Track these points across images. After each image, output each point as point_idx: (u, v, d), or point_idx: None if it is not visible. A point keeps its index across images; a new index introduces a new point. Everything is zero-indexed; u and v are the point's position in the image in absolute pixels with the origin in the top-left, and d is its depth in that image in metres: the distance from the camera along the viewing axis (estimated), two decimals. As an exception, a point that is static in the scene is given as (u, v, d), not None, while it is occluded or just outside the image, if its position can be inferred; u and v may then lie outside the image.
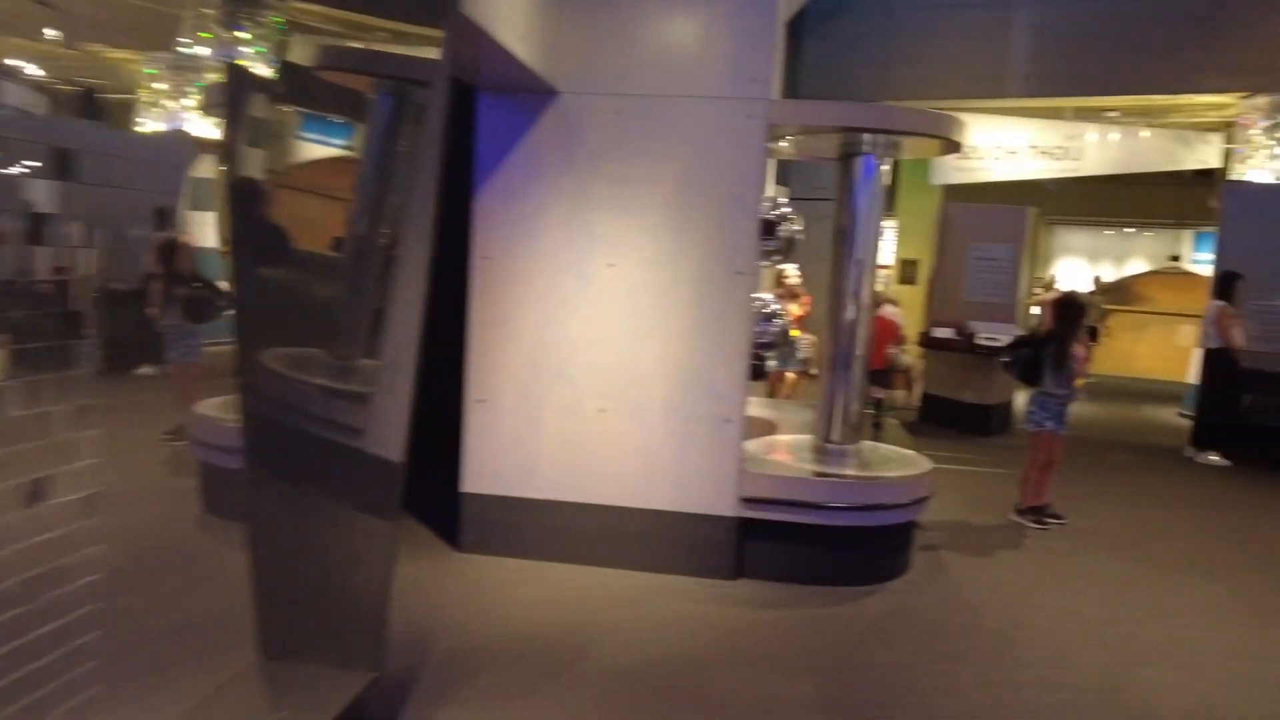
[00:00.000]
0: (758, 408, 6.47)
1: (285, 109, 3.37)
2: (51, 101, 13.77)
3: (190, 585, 4.25)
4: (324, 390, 3.00)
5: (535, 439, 4.63)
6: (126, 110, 13.67)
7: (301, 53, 3.67)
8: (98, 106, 14.69)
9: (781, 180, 11.35)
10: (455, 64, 4.20)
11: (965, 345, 8.99)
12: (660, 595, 4.38)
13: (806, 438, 5.26)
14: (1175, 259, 20.31)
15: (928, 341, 9.46)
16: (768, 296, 6.19)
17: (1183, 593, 4.84)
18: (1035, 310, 10.68)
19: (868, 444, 5.37)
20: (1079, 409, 11.68)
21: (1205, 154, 11.94)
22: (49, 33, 11.78)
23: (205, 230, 11.12)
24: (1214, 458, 8.27)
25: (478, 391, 4.66)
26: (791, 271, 8.42)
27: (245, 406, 2.87)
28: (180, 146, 11.48)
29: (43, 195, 2.20)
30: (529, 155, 4.52)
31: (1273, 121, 10.68)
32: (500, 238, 4.57)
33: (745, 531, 4.55)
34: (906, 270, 16.45)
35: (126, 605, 3.55)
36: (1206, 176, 19.71)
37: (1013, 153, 12.72)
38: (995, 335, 8.79)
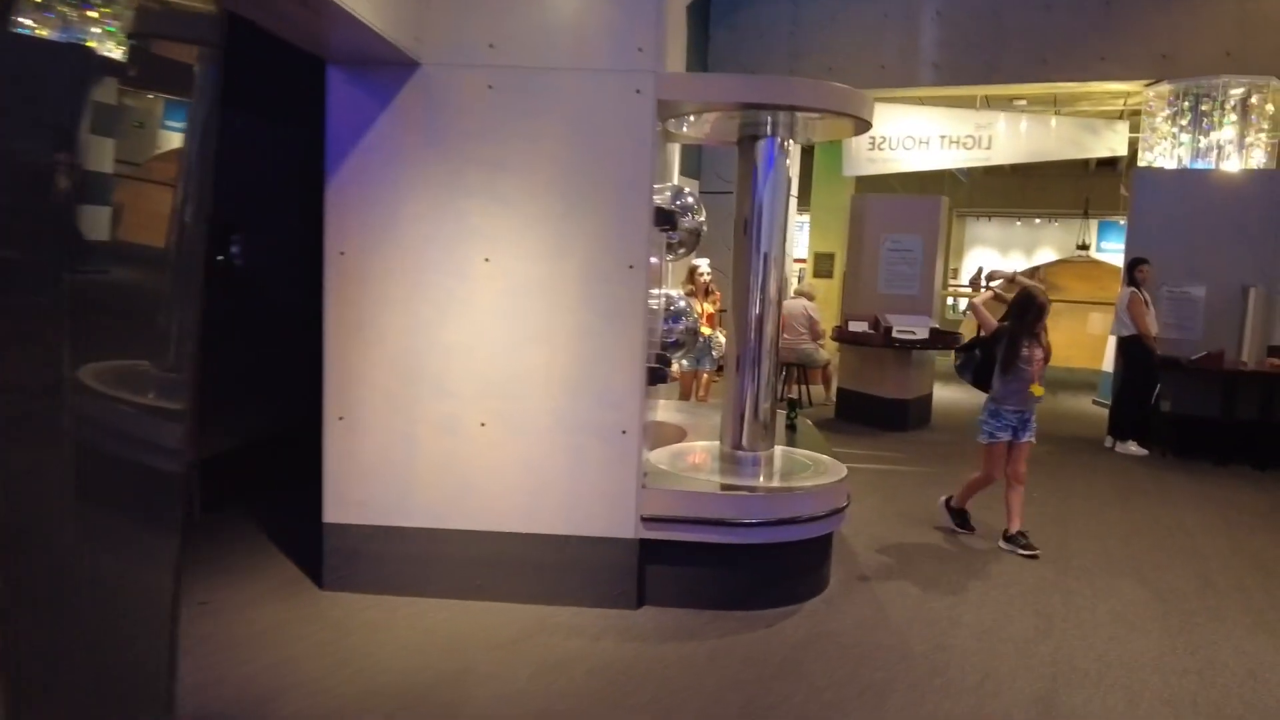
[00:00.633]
0: (668, 411, 6.03)
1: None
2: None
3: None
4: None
5: (406, 459, 4.08)
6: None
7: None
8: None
9: (691, 172, 10.96)
10: (296, 31, 3.64)
11: (881, 339, 8.71)
12: (551, 631, 3.87)
13: (715, 445, 4.81)
14: (1083, 248, 20.64)
15: (843, 336, 9.16)
16: (674, 293, 5.75)
17: (1111, 598, 4.54)
18: (963, 306, 10.53)
19: (780, 449, 4.96)
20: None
21: (1113, 142, 11.97)
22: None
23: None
24: (1133, 447, 8.15)
25: (337, 407, 4.08)
26: (704, 266, 8.01)
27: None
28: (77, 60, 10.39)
29: None
30: (388, 136, 3.96)
31: (1175, 109, 10.70)
32: (357, 230, 4.01)
33: (647, 554, 4.08)
34: (822, 263, 16.28)
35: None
36: (1111, 166, 20.11)
37: (924, 143, 12.58)
38: (911, 328, 8.53)
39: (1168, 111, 10.80)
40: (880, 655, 3.80)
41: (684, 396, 7.83)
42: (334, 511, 4.15)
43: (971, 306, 5.32)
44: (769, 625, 4.03)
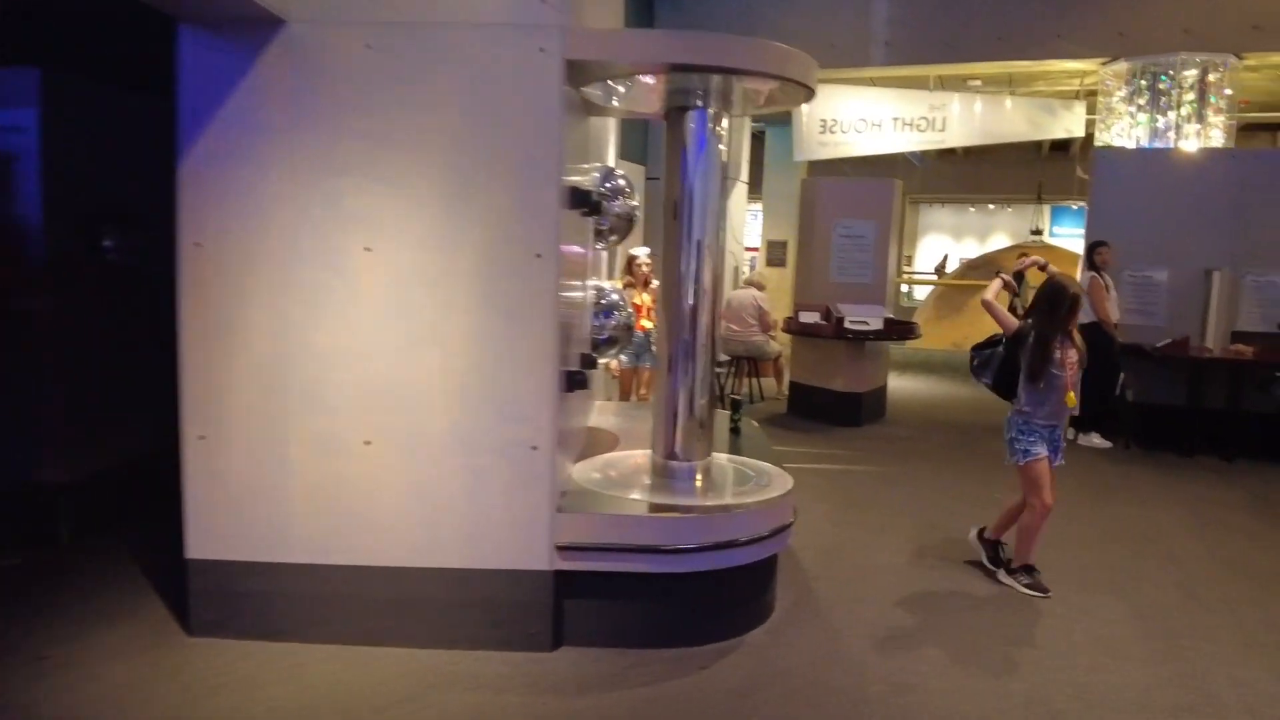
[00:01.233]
0: (604, 414, 5.50)
1: None
2: None
3: None
4: None
5: (280, 484, 3.49)
6: None
7: None
8: None
9: (635, 156, 10.38)
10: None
11: (832, 330, 8.23)
12: (451, 683, 3.31)
13: (648, 454, 4.28)
14: (1037, 233, 20.46)
15: (793, 327, 8.67)
16: (607, 285, 5.21)
17: (1088, 618, 4.09)
18: (919, 294, 10.10)
19: (720, 457, 4.44)
20: (947, 390, 11.29)
21: (1069, 123, 11.61)
22: None
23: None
24: (1096, 439, 7.77)
25: (198, 424, 3.48)
26: (643, 255, 7.47)
27: None
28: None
29: None
30: (250, 106, 3.36)
31: (1132, 88, 10.37)
32: (215, 218, 3.40)
33: (564, 588, 3.53)
34: (775, 251, 15.85)
35: None
36: (1064, 151, 19.92)
37: (876, 125, 12.14)
38: (864, 318, 8.07)
39: (1125, 91, 10.47)
40: (833, 702, 3.29)
41: (624, 396, 7.29)
42: (199, 546, 3.55)
43: (985, 305, 4.45)
44: (705, 666, 3.51)
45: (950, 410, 9.73)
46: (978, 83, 12.38)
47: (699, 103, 3.90)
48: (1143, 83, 10.31)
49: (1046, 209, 23.32)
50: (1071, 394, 4.28)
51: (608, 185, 4.97)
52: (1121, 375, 7.75)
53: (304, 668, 3.41)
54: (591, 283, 4.85)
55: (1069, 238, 22.35)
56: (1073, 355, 4.27)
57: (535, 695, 3.25)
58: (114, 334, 4.93)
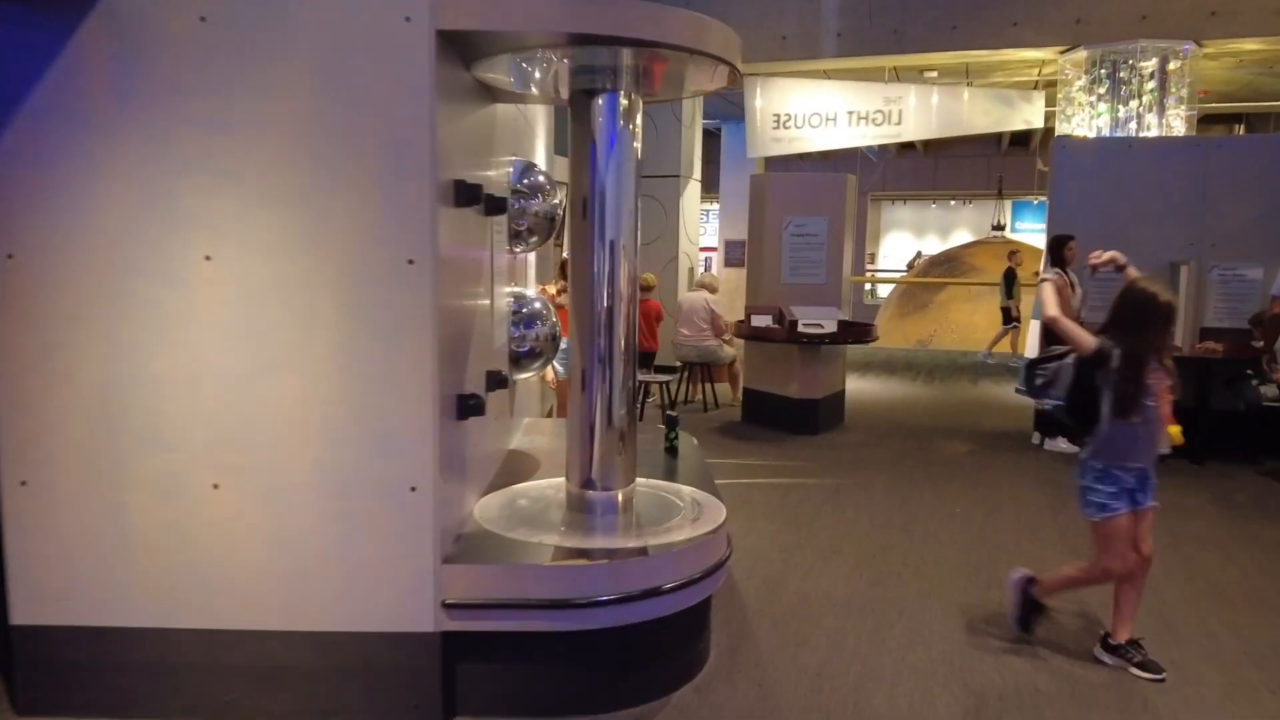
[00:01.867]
0: (531, 433, 5.02)
1: None
2: None
3: None
4: None
5: (118, 537, 2.96)
6: None
7: None
8: None
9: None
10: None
11: (785, 334, 7.79)
12: (317, 770, 2.81)
13: (560, 485, 3.79)
14: (999, 228, 20.25)
15: (745, 331, 8.22)
16: (530, 292, 4.73)
17: (1056, 654, 3.66)
18: (882, 293, 9.68)
19: (645, 483, 3.97)
20: (907, 391, 10.88)
21: (1028, 113, 11.31)
22: None
23: None
24: (1063, 444, 7.39)
25: (18, 468, 2.94)
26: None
27: None
28: None
29: None
30: (67, 92, 2.83)
31: (1092, 77, 10.06)
32: (30, 225, 2.86)
33: (456, 651, 3.03)
34: (733, 251, 15.46)
35: None
36: (1023, 146, 19.73)
37: (831, 119, 11.77)
38: (818, 320, 7.64)
39: (1084, 80, 10.16)
40: (764, 776, 2.83)
41: (562, 409, 6.79)
42: (26, 610, 3.01)
43: (1051, 322, 3.66)
44: (622, 735, 3.03)
45: (909, 412, 9.34)
46: (934, 74, 12.06)
47: (608, 85, 3.42)
48: (1102, 71, 10.01)
49: (1007, 204, 23.16)
50: (1174, 427, 3.52)
51: (525, 182, 4.51)
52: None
53: (148, 752, 2.89)
54: (506, 290, 4.36)
55: (1030, 232, 22.20)
56: (1164, 380, 3.44)
57: (414, 783, 2.76)
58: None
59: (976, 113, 11.39)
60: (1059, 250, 7.29)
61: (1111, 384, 3.40)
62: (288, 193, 2.85)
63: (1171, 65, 9.83)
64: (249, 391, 2.90)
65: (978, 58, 10.83)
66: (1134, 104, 9.76)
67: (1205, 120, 14.17)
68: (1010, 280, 12.35)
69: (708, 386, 9.44)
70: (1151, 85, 9.84)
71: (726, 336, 9.08)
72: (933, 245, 25.23)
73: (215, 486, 2.93)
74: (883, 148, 19.36)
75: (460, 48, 3.09)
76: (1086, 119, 10.10)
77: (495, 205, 3.72)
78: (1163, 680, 3.44)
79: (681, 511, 3.64)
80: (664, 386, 9.05)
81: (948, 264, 19.13)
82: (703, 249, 14.48)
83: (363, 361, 2.89)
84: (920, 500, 5.93)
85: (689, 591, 3.22)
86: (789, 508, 5.73)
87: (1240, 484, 6.52)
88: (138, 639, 3.00)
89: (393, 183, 2.84)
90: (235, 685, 3.01)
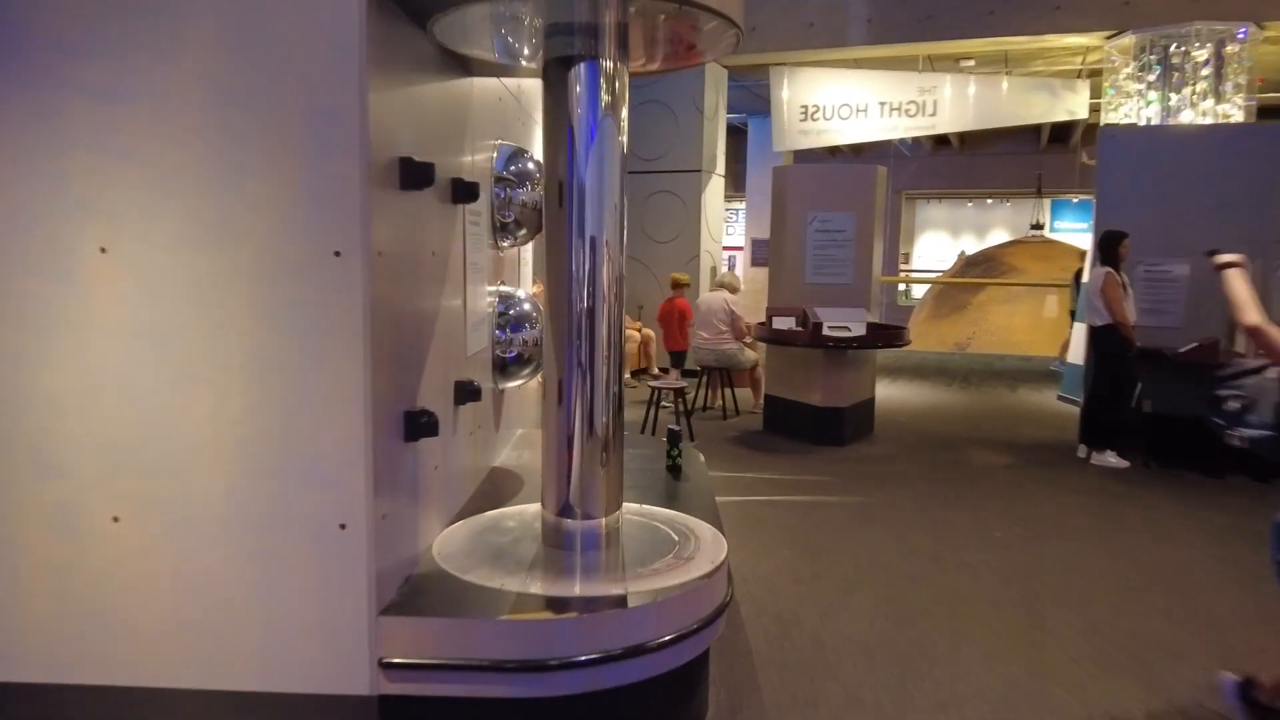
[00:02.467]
0: (520, 446, 4.56)
1: None
2: None
3: None
4: None
5: (4, 577, 2.53)
6: None
7: None
8: None
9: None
10: None
11: (808, 337, 7.26)
12: None
13: (536, 510, 3.31)
14: (1038, 227, 19.50)
15: (766, 334, 7.70)
16: (520, 293, 4.27)
17: (1100, 711, 3.13)
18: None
19: (635, 509, 3.48)
20: (940, 398, 10.26)
21: (1072, 104, 10.64)
22: None
23: None
24: (1111, 459, 6.80)
25: (-112, 497, 2.52)
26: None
27: None
28: None
29: None
30: (-61, 53, 2.40)
31: (1141, 64, 9.41)
32: (-106, 210, 2.44)
33: (396, 719, 2.56)
34: (759, 250, 14.95)
35: None
36: (1064, 143, 18.97)
37: (862, 111, 11.19)
38: (843, 323, 7.10)
39: (1132, 67, 9.51)
40: None
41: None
42: (-95, 659, 2.59)
43: (1253, 332, 2.87)
44: (592, 819, 2.55)
45: (942, 421, 8.76)
46: (971, 63, 11.44)
47: (587, 50, 2.94)
48: (1152, 58, 9.35)
49: (1047, 203, 22.36)
50: None
51: (512, 169, 4.07)
52: (1139, 386, 6.78)
53: (36, 830, 2.46)
54: (489, 289, 3.91)
55: (1070, 232, 21.41)
56: None
57: None
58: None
59: (1016, 103, 10.75)
60: (1113, 248, 6.71)
61: None
62: (195, 173, 2.39)
63: (1228, 49, 9.15)
64: (152, 407, 2.45)
65: (1016, 44, 10.22)
66: (1186, 90, 9.10)
67: (1263, 113, 13.40)
68: (1081, 282, 11.71)
69: (727, 392, 8.93)
70: (1206, 72, 9.18)
71: (748, 339, 8.57)
72: (969, 245, 24.49)
73: (115, 519, 2.49)
74: (916, 142, 18.72)
75: (409, 2, 2.63)
76: (1135, 109, 9.45)
77: (465, 192, 3.26)
78: None
79: (675, 547, 3.14)
80: (678, 396, 8.11)
81: (985, 264, 18.44)
82: (728, 248, 13.97)
83: (283, 372, 2.43)
84: (953, 523, 5.39)
85: (678, 649, 2.72)
86: (808, 530, 5.21)
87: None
88: (24, 697, 2.56)
89: (317, 160, 2.37)
90: (141, 751, 2.57)
